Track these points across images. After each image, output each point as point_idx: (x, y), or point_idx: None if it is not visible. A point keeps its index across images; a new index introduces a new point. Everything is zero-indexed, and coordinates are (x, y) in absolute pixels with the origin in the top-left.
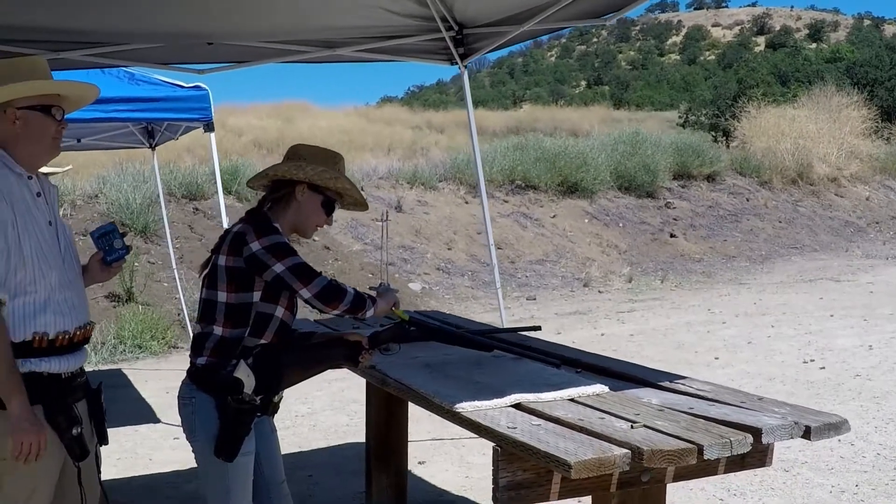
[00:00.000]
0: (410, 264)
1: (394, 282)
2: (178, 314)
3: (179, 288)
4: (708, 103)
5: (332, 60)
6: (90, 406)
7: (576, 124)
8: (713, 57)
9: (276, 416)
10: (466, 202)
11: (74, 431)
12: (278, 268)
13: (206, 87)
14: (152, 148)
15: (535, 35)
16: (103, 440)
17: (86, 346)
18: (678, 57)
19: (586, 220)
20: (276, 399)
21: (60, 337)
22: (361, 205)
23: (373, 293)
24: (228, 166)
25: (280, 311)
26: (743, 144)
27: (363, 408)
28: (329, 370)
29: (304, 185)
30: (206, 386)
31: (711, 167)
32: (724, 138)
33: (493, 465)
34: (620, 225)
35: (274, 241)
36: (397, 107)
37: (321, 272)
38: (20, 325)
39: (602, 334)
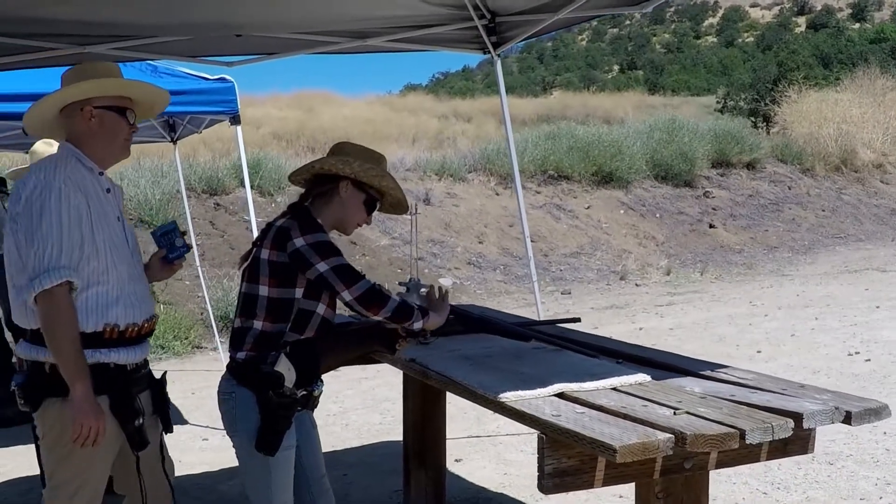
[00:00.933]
0: (440, 259)
1: (423, 277)
2: (202, 313)
3: (203, 286)
4: (747, 87)
5: (362, 51)
6: (154, 396)
7: (609, 111)
8: (752, 39)
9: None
10: (497, 194)
11: (137, 422)
12: (322, 266)
13: (232, 80)
14: (174, 142)
15: (570, 24)
16: (168, 428)
17: (149, 338)
18: (715, 39)
19: (622, 211)
20: (316, 393)
21: (130, 328)
22: (402, 206)
23: (409, 296)
24: (250, 159)
25: (322, 309)
26: (784, 130)
27: (396, 406)
28: (363, 364)
29: (349, 181)
30: (246, 381)
31: (751, 154)
32: (765, 124)
33: (538, 453)
34: (657, 215)
35: (319, 238)
36: (422, 95)
37: (365, 275)
38: (93, 316)
39: (640, 328)
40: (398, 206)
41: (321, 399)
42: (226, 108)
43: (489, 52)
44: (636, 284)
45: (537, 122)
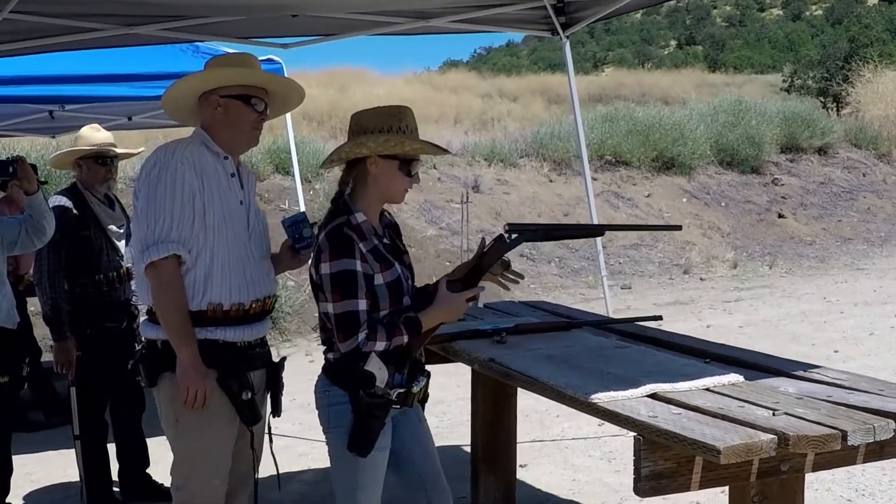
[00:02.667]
0: None
1: None
2: None
3: None
4: (815, 65)
5: (424, 32)
6: (268, 377)
7: (666, 90)
8: (820, 12)
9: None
10: (551, 181)
11: (244, 396)
12: (330, 308)
13: (280, 61)
14: None
15: (643, 6)
16: (277, 411)
17: (266, 318)
18: (780, 12)
19: (684, 200)
20: (415, 389)
21: (235, 308)
22: (442, 152)
23: None
24: (284, 144)
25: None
26: (857, 112)
27: (451, 409)
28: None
29: (374, 156)
30: (339, 380)
31: (823, 139)
32: (835, 105)
33: (634, 455)
34: (723, 204)
35: (342, 267)
36: (464, 72)
37: (361, 327)
38: (198, 294)
39: (708, 326)
40: (437, 152)
41: None
42: None
43: (557, 34)
44: (701, 279)
45: (589, 101)
